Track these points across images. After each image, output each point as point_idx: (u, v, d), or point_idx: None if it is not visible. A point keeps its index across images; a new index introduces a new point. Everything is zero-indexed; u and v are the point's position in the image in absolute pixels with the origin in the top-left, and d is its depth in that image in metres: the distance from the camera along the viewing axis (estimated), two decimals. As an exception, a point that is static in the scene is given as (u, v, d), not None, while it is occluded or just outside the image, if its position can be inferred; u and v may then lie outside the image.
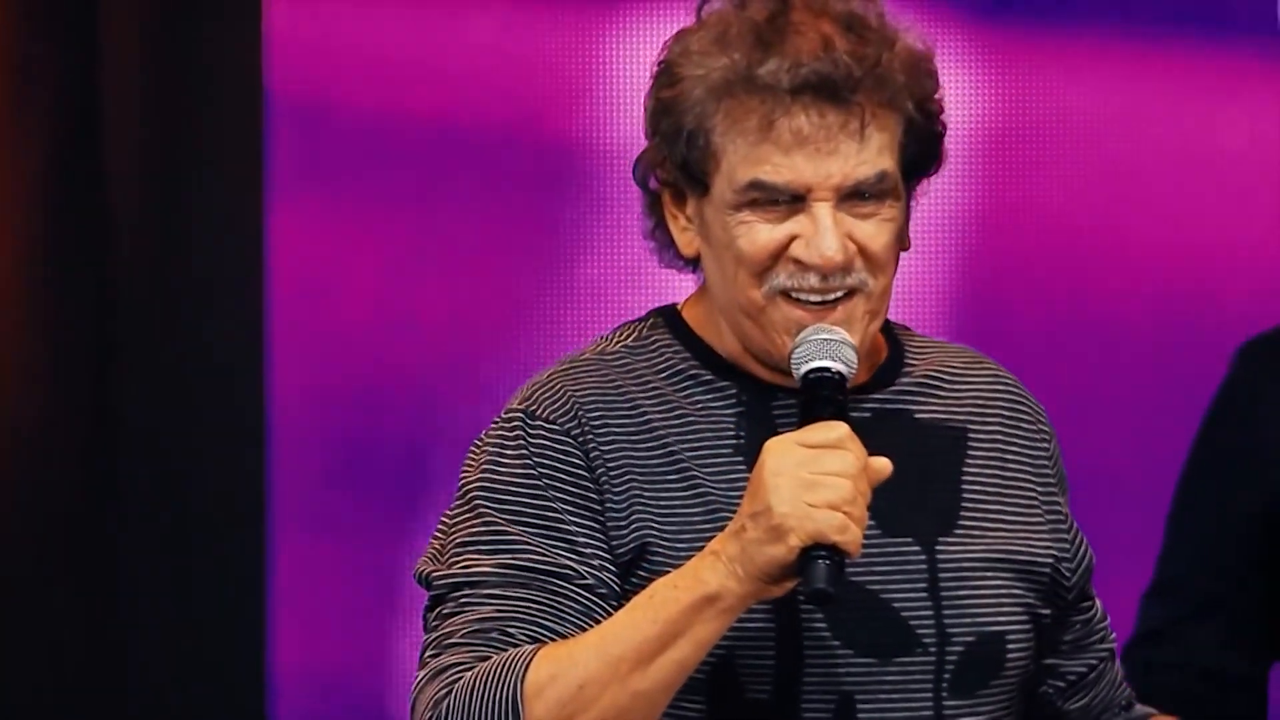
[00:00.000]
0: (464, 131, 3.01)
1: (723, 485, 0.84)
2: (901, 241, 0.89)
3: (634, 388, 0.87)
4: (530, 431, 0.87)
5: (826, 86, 0.83)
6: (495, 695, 0.77)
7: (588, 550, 0.83)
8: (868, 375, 0.90)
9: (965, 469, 0.90)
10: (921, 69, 0.88)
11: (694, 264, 0.91)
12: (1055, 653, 0.94)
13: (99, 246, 2.96)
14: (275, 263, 2.92)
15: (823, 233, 0.82)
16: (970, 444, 0.91)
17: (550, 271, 2.87)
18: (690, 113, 0.85)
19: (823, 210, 0.83)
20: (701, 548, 0.78)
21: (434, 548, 0.90)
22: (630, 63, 2.64)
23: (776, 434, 0.80)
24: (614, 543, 0.84)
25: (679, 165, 0.87)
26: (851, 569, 0.80)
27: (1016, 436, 0.93)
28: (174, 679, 2.33)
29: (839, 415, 0.79)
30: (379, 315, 2.92)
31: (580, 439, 0.86)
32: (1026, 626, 0.88)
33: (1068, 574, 0.92)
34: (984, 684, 0.87)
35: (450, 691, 0.79)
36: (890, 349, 0.94)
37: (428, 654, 0.84)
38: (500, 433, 0.88)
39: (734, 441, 0.85)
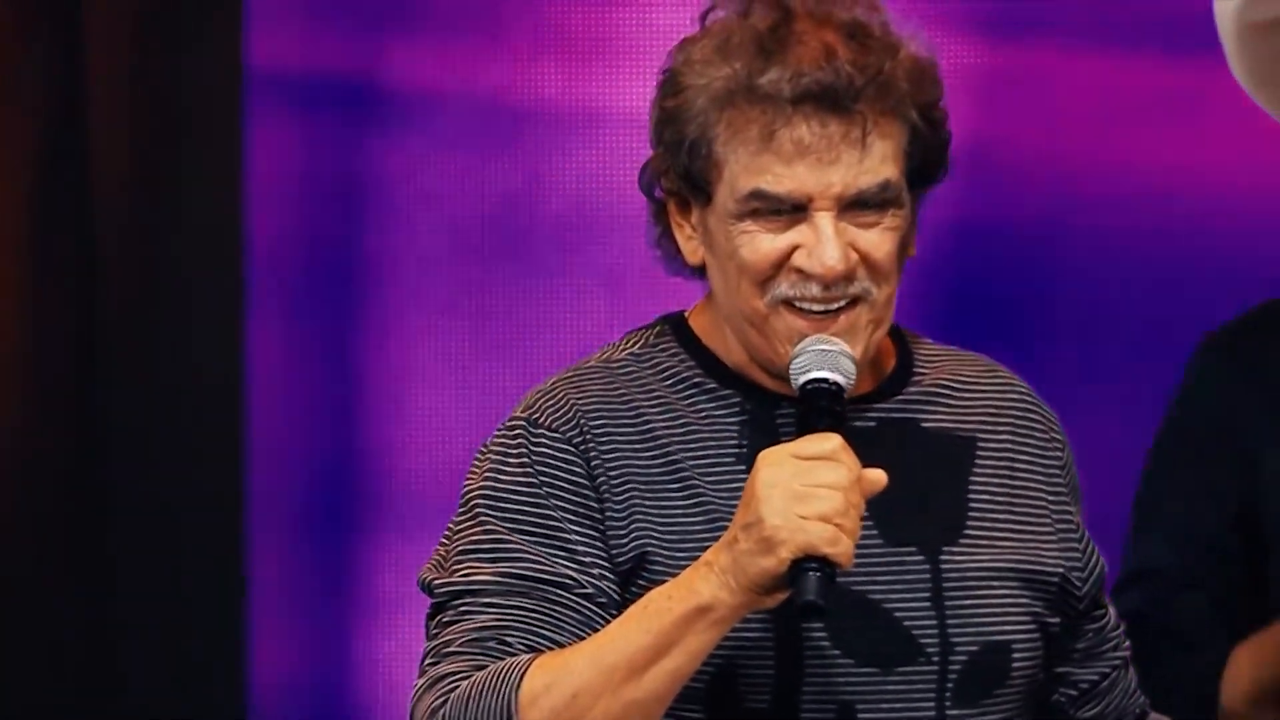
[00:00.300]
0: (448, 139, 3.00)
1: (724, 494, 0.83)
2: (905, 249, 0.89)
3: (639, 396, 0.87)
4: (533, 439, 0.86)
5: (828, 96, 0.82)
6: (490, 704, 0.77)
7: (587, 559, 0.83)
8: (875, 384, 0.90)
9: (973, 478, 0.89)
10: (926, 76, 0.87)
11: (700, 272, 0.90)
12: (1067, 661, 0.93)
13: (83, 243, 2.96)
14: (255, 270, 2.90)
15: (824, 242, 0.82)
16: (979, 453, 0.90)
17: (532, 278, 2.85)
18: (693, 122, 0.84)
19: (824, 220, 0.82)
20: (700, 557, 0.78)
21: (438, 555, 0.89)
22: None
23: (779, 443, 0.79)
24: (614, 551, 0.83)
25: (682, 174, 0.86)
26: (853, 578, 0.80)
27: (1028, 445, 0.92)
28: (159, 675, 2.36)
29: (835, 426, 0.78)
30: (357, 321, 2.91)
31: (582, 447, 0.85)
32: (1034, 635, 0.88)
33: (1078, 583, 0.92)
34: (988, 693, 0.86)
35: (446, 700, 0.79)
36: (899, 357, 0.93)
37: (427, 662, 0.84)
38: (503, 440, 0.88)
39: (736, 450, 0.84)
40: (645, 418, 0.86)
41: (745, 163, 0.84)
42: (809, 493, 0.73)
